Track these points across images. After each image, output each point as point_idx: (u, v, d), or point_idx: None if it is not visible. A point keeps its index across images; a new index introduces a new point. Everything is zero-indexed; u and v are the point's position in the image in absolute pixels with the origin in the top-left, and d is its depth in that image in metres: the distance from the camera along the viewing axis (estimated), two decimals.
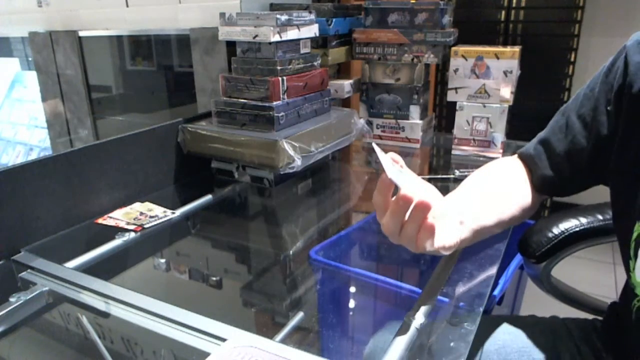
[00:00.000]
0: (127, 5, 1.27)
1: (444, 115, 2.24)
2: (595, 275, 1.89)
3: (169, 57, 1.36)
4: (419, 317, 0.51)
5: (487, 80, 1.09)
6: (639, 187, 0.53)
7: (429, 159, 1.21)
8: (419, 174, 0.55)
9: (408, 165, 0.53)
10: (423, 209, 0.46)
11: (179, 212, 0.84)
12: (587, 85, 0.62)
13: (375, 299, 0.67)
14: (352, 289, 0.68)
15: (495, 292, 0.88)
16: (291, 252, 0.76)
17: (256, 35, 0.91)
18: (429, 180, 0.99)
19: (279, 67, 0.92)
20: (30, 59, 1.65)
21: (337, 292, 0.67)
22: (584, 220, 0.75)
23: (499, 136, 1.11)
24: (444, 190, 0.59)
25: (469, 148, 1.14)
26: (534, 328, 0.71)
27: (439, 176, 1.03)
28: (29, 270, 0.65)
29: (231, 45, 1.06)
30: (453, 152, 1.15)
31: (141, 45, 1.41)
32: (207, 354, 0.45)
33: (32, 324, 0.59)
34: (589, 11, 1.96)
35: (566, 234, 0.74)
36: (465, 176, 0.69)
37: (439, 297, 0.57)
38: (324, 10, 1.15)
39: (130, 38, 1.41)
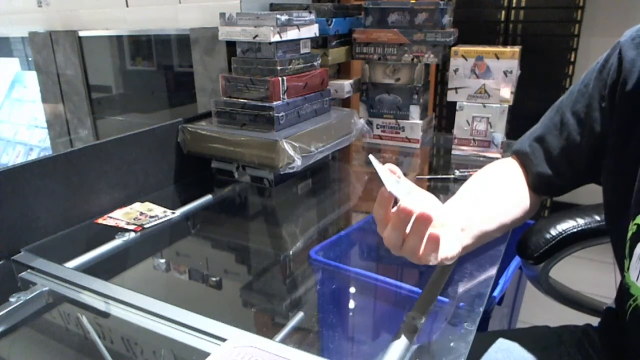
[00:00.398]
0: (127, 5, 1.27)
1: (444, 115, 2.24)
2: (596, 275, 1.89)
3: (169, 57, 1.36)
4: (419, 317, 0.51)
5: (487, 80, 1.09)
6: (634, 186, 0.52)
7: (429, 159, 1.21)
8: (419, 174, 0.55)
9: (408, 165, 0.53)
10: (424, 221, 0.46)
11: (179, 212, 0.84)
12: (581, 81, 0.62)
13: (375, 299, 0.67)
14: (352, 289, 0.68)
15: (495, 293, 0.88)
16: (291, 252, 0.76)
17: (256, 35, 0.91)
18: (429, 180, 1.00)
19: (279, 67, 0.92)
20: (30, 59, 1.65)
21: (337, 292, 0.67)
22: (581, 221, 0.75)
23: (499, 136, 1.11)
24: (444, 190, 0.59)
25: (469, 148, 1.14)
26: (525, 341, 0.71)
27: (439, 176, 1.03)
28: (29, 270, 0.65)
29: (231, 45, 1.06)
30: (453, 152, 1.15)
31: (141, 45, 1.41)
32: (207, 354, 0.45)
33: (32, 324, 0.59)
34: (589, 11, 1.96)
35: (564, 235, 0.74)
36: (465, 176, 0.69)
37: (439, 297, 0.57)
38: (324, 10, 1.15)
39: (130, 38, 1.41)
